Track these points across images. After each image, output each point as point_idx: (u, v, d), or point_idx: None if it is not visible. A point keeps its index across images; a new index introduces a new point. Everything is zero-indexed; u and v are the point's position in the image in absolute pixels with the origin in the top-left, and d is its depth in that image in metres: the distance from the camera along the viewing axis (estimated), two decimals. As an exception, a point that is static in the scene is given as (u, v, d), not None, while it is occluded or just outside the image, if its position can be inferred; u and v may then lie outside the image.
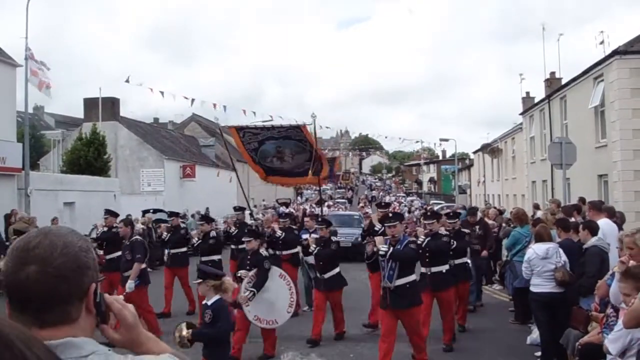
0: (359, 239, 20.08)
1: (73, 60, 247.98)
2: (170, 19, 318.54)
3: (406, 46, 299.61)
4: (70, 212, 24.64)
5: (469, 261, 11.44)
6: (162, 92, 26.08)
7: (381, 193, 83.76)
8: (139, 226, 20.35)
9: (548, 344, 8.23)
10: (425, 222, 9.93)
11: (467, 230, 11.67)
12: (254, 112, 30.60)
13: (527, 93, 33.81)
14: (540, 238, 8.51)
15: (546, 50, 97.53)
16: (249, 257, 9.13)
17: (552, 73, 29.49)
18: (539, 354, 8.54)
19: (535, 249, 8.37)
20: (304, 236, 12.05)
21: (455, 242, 10.28)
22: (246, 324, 8.79)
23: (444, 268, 9.56)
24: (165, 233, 13.36)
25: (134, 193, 32.68)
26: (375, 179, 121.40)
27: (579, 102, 22.35)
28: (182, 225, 15.40)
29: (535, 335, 9.23)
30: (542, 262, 8.22)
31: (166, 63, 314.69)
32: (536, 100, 30.24)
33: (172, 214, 14.50)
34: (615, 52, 18.83)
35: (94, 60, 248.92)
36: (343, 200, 53.66)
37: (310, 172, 12.83)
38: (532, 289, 8.45)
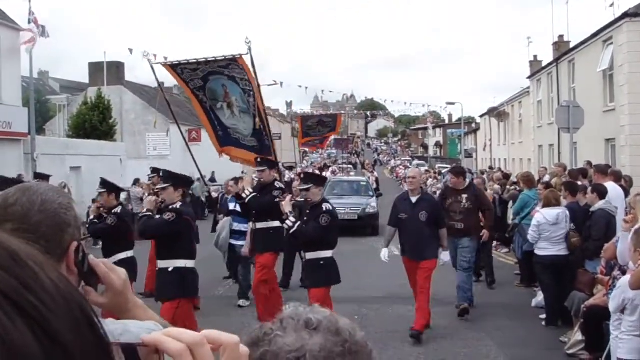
0: (366, 210, 19.67)
1: (78, 25, 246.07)
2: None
3: (413, 10, 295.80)
4: (77, 176, 24.70)
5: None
6: (165, 58, 25.90)
7: (387, 157, 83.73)
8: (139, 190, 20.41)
9: (552, 306, 8.31)
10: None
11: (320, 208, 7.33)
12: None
13: (535, 57, 33.30)
14: (549, 203, 8.50)
15: (555, 14, 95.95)
16: None
17: (561, 36, 29.07)
18: (543, 316, 8.62)
19: (545, 215, 8.35)
20: (231, 205, 10.37)
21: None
22: None
23: (169, 265, 6.66)
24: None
25: (140, 157, 32.67)
26: (382, 143, 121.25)
27: (587, 66, 22.10)
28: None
29: (540, 298, 9.30)
30: (552, 228, 8.22)
31: (173, 29, 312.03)
32: (544, 64, 29.92)
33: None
34: (625, 15, 18.52)
35: (100, 26, 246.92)
36: (347, 166, 52.47)
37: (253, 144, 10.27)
38: (537, 252, 8.51)
